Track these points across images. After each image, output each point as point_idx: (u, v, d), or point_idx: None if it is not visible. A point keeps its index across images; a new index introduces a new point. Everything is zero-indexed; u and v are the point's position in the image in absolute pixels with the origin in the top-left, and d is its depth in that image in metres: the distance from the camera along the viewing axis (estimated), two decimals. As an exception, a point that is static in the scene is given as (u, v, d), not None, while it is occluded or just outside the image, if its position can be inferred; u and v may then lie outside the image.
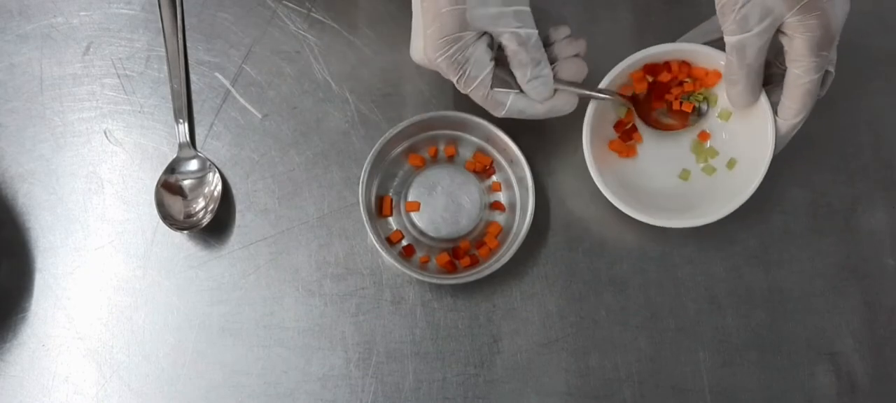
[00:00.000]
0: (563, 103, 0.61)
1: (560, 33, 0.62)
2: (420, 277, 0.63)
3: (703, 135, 0.66)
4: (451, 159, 0.68)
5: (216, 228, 0.67)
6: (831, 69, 0.59)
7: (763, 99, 0.61)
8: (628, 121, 0.66)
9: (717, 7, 0.58)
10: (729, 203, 0.61)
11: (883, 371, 0.65)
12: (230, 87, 0.70)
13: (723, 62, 0.62)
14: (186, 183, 0.67)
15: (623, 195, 0.62)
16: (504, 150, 0.66)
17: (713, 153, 0.66)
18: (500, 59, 0.60)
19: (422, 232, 0.66)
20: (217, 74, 0.70)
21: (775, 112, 0.61)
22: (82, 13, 0.71)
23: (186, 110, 0.68)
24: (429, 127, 0.66)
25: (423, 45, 0.58)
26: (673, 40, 0.64)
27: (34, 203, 0.67)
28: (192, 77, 0.70)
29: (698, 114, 0.66)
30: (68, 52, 0.70)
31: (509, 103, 0.60)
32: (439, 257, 0.65)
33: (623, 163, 0.66)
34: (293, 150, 0.68)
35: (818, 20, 0.55)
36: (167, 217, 0.65)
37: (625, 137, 0.66)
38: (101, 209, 0.67)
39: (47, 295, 0.66)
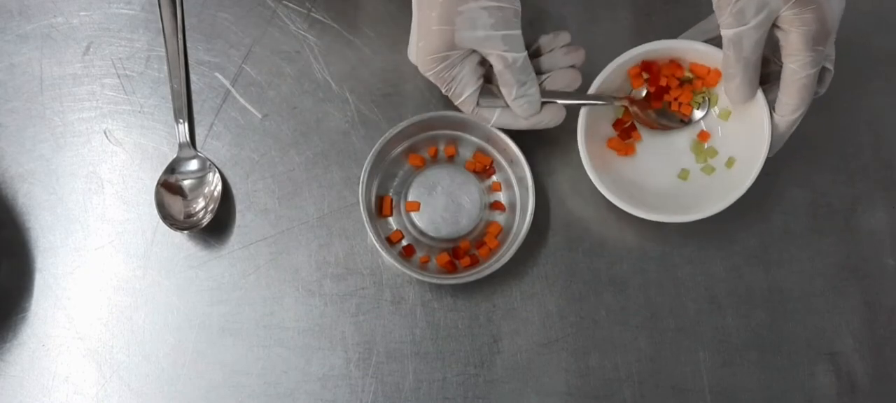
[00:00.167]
0: (550, 118, 0.62)
1: (559, 41, 0.62)
2: (420, 277, 0.63)
3: (703, 135, 0.66)
4: (451, 159, 0.68)
5: (216, 228, 0.67)
6: (830, 66, 0.59)
7: (760, 95, 0.61)
8: (627, 119, 0.66)
9: (714, 2, 0.58)
10: (726, 198, 0.61)
11: (883, 371, 0.65)
12: (230, 87, 0.70)
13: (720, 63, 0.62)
14: (186, 183, 0.67)
15: (621, 193, 0.62)
16: (504, 150, 0.66)
17: (713, 153, 0.66)
18: (490, 72, 0.61)
19: (422, 232, 0.66)
20: (217, 74, 0.70)
21: (773, 109, 0.61)
22: (82, 13, 0.71)
23: (186, 110, 0.68)
24: (429, 127, 0.66)
25: (415, 56, 0.60)
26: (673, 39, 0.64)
27: (34, 203, 0.67)
28: (192, 77, 0.70)
29: (699, 113, 0.66)
30: (68, 52, 0.70)
31: (495, 119, 0.62)
32: (439, 257, 0.65)
33: (622, 162, 0.66)
34: (293, 150, 0.68)
35: (814, 14, 0.55)
36: (167, 217, 0.65)
37: (624, 135, 0.66)
38: (101, 209, 0.67)
39: (47, 295, 0.66)
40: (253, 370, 0.65)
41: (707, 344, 0.65)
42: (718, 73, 0.64)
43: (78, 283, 0.66)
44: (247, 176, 0.68)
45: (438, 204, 0.66)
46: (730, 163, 0.65)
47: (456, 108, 0.63)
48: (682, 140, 0.67)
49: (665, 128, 0.66)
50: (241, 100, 0.70)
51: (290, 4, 0.71)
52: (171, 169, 0.67)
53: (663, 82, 0.65)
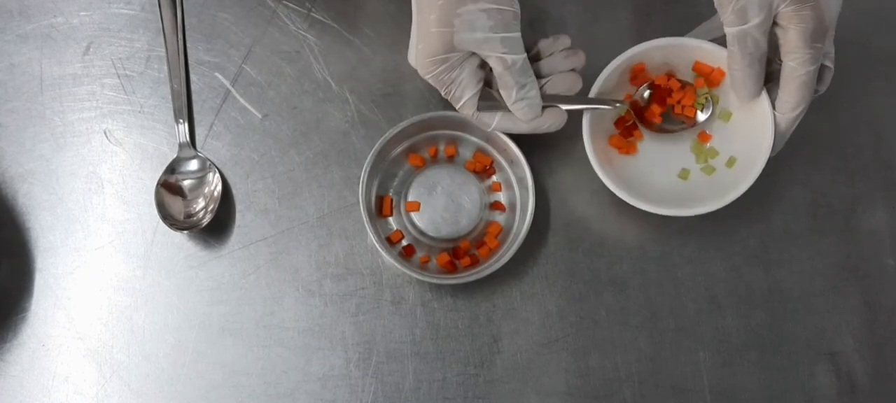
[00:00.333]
0: (551, 122, 0.61)
1: (559, 44, 0.62)
2: (420, 277, 0.63)
3: (704, 137, 0.66)
4: (451, 159, 0.68)
5: (216, 228, 0.67)
6: (829, 64, 0.60)
7: (763, 94, 0.61)
8: (629, 118, 0.66)
9: (716, 1, 0.58)
10: (729, 194, 0.61)
11: (883, 371, 0.65)
12: (230, 87, 0.70)
13: (723, 62, 0.62)
14: (186, 183, 0.67)
15: (623, 189, 0.62)
16: (504, 150, 0.66)
17: (713, 153, 0.66)
18: (491, 76, 0.61)
19: (422, 232, 0.66)
20: (217, 74, 0.70)
21: (773, 108, 0.61)
22: (82, 13, 0.71)
23: (186, 110, 0.68)
24: (429, 127, 0.66)
25: (415, 59, 0.60)
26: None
27: (34, 203, 0.67)
28: (192, 77, 0.70)
29: (702, 114, 0.65)
30: (68, 52, 0.70)
31: (495, 123, 0.61)
32: (439, 257, 0.65)
33: (623, 160, 0.66)
34: (293, 150, 0.68)
35: (812, 11, 0.56)
36: (167, 217, 0.65)
37: (625, 134, 0.66)
38: (101, 209, 0.67)
39: (47, 295, 0.66)
40: (253, 370, 0.65)
41: (707, 344, 0.65)
42: (721, 73, 0.64)
43: (78, 283, 0.66)
44: (247, 176, 0.68)
45: (438, 204, 0.66)
46: (730, 162, 0.65)
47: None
48: (682, 140, 0.67)
49: (669, 132, 0.66)
50: (241, 100, 0.70)
51: (290, 4, 0.71)
52: (171, 169, 0.67)
53: (663, 82, 0.64)
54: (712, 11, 0.60)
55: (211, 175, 0.67)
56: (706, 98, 0.65)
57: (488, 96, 0.61)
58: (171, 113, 0.69)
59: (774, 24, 0.58)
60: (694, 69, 0.65)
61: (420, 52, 0.59)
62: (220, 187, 0.67)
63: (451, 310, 0.66)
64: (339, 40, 0.71)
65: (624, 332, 0.65)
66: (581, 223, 0.67)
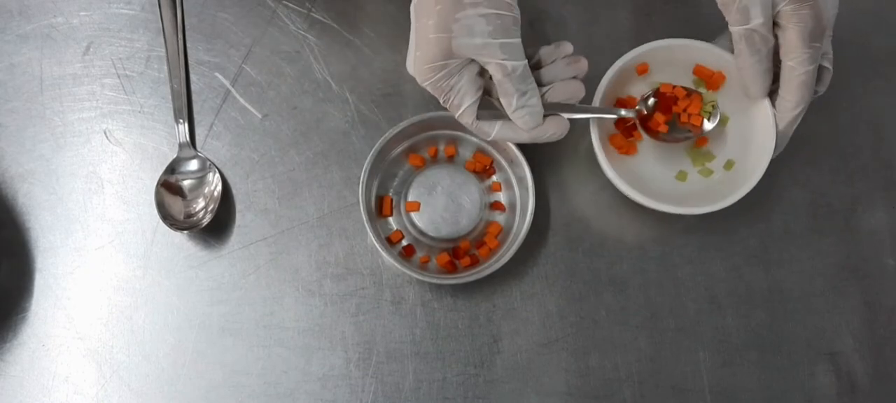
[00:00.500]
0: (553, 130, 0.59)
1: (561, 51, 0.60)
2: (420, 277, 0.63)
3: (701, 140, 0.66)
4: (451, 159, 0.68)
5: (216, 228, 0.67)
6: (828, 65, 0.60)
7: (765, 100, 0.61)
8: (629, 119, 0.66)
9: (719, 1, 0.59)
10: (730, 196, 0.61)
11: (883, 371, 0.65)
12: (230, 87, 0.70)
13: (723, 64, 0.62)
14: (186, 183, 0.67)
15: (624, 186, 0.62)
16: (504, 150, 0.66)
17: (710, 157, 0.66)
18: (492, 85, 0.59)
19: (422, 232, 0.66)
20: (217, 74, 0.70)
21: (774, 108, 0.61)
22: (82, 13, 0.71)
23: (186, 110, 0.68)
24: (429, 127, 0.66)
25: (413, 66, 0.58)
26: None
27: (34, 203, 0.67)
28: (192, 77, 0.70)
29: (710, 121, 0.64)
30: (68, 52, 0.70)
31: (495, 132, 0.59)
32: (439, 257, 0.65)
33: (622, 160, 0.66)
34: (293, 150, 0.68)
35: (811, 10, 0.56)
36: (167, 217, 0.65)
37: (626, 134, 0.66)
38: (101, 209, 0.67)
39: (47, 295, 0.66)
40: (253, 370, 0.65)
41: (707, 344, 0.65)
42: (721, 77, 0.64)
43: (78, 283, 0.66)
44: (247, 176, 0.68)
45: (438, 204, 0.66)
46: (729, 165, 0.65)
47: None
48: (682, 143, 0.66)
49: (676, 142, 0.64)
50: (241, 100, 0.70)
51: (290, 4, 0.71)
52: (171, 169, 0.67)
53: (667, 90, 0.63)
54: (712, 11, 0.60)
55: (211, 175, 0.67)
56: (712, 105, 0.63)
57: (488, 104, 0.59)
58: (171, 113, 0.69)
59: (774, 24, 0.58)
60: (694, 72, 0.65)
61: (418, 59, 0.57)
62: (220, 187, 0.67)
63: (451, 310, 0.66)
64: (339, 40, 0.71)
65: (624, 332, 0.65)
66: (581, 223, 0.67)
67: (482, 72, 0.58)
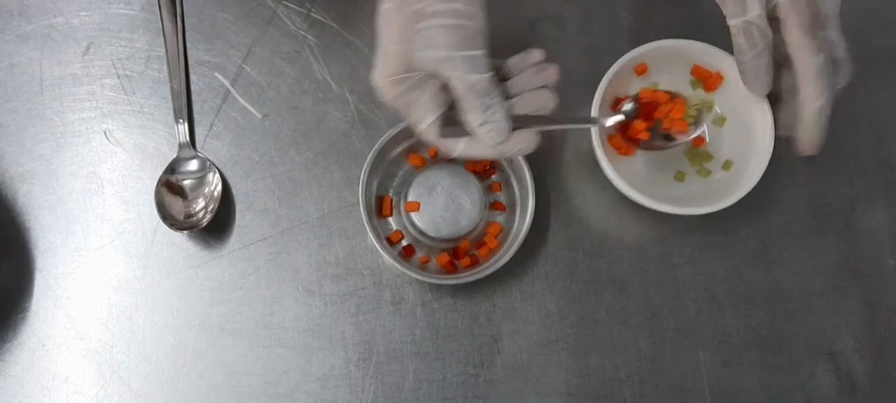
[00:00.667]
0: (521, 145, 0.54)
1: (529, 59, 0.56)
2: (420, 277, 0.63)
3: (697, 141, 0.66)
4: (450, 159, 0.68)
5: (216, 228, 0.67)
6: (842, 54, 0.58)
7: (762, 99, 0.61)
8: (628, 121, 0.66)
9: None
10: (730, 196, 0.61)
11: (883, 371, 0.65)
12: (230, 87, 0.70)
13: (722, 64, 0.62)
14: (186, 183, 0.67)
15: (624, 187, 0.62)
16: (504, 150, 0.66)
17: (708, 157, 0.66)
18: None
19: (422, 232, 0.66)
20: (217, 74, 0.70)
21: (800, 106, 0.59)
22: (82, 13, 0.71)
23: (186, 110, 0.68)
24: (429, 127, 0.66)
25: (375, 78, 0.55)
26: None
27: (34, 203, 0.67)
28: (192, 77, 0.70)
29: (696, 126, 0.61)
30: (68, 52, 0.70)
31: (460, 149, 0.55)
32: (439, 257, 0.65)
33: (623, 160, 0.66)
34: (293, 150, 0.68)
35: (806, 1, 0.56)
36: (167, 217, 0.65)
37: (624, 135, 0.66)
38: (101, 209, 0.67)
39: (47, 295, 0.66)
40: (253, 370, 0.65)
41: (707, 344, 0.65)
42: (719, 77, 0.64)
43: (78, 283, 0.66)
44: (247, 176, 0.68)
45: (438, 204, 0.66)
46: (727, 166, 0.65)
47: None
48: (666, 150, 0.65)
49: (658, 149, 0.62)
50: (241, 100, 0.70)
51: (290, 4, 0.71)
52: (171, 169, 0.67)
53: (648, 96, 0.61)
54: (712, 11, 0.60)
55: (211, 175, 0.67)
56: (697, 109, 0.61)
57: (452, 120, 0.54)
58: (171, 113, 0.69)
59: (774, 18, 0.58)
60: (692, 73, 0.65)
61: (379, 72, 0.53)
62: (220, 187, 0.67)
63: (451, 310, 0.66)
64: (339, 40, 0.71)
65: (624, 332, 0.65)
66: (581, 223, 0.67)
67: (445, 88, 0.54)
